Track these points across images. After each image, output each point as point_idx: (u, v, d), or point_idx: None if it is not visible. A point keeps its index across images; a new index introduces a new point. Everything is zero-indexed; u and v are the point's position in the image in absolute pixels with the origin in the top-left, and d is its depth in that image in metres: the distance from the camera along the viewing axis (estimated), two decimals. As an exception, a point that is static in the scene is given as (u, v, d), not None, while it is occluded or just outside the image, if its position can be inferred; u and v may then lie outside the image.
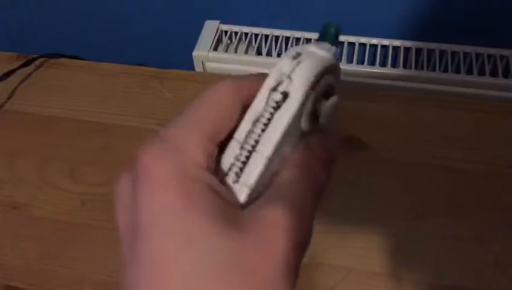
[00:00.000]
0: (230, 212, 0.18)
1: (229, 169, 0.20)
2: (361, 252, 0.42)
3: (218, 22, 0.69)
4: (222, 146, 0.21)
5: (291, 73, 0.21)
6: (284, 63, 0.21)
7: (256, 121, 0.21)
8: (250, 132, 0.21)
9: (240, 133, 0.21)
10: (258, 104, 0.21)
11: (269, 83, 0.21)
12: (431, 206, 0.44)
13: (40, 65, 0.59)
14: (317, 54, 0.22)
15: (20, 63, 0.58)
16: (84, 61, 0.61)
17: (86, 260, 0.43)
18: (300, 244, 0.19)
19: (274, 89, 0.21)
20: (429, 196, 0.45)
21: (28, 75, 0.58)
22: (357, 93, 0.54)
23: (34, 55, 0.59)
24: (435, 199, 0.44)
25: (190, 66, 0.67)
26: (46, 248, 0.44)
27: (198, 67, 0.67)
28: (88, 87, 0.57)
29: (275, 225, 0.18)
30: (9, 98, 0.56)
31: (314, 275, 0.41)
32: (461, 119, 0.50)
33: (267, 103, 0.21)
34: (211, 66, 0.66)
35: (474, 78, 0.60)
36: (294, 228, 0.18)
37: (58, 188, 0.48)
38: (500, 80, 0.59)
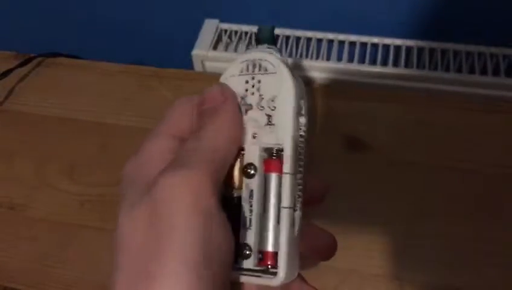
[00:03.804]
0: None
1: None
2: (362, 253, 0.42)
3: (218, 20, 0.69)
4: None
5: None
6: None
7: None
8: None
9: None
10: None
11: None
12: (431, 207, 0.44)
13: (38, 64, 0.59)
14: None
15: (18, 62, 0.57)
16: (82, 60, 0.60)
17: (84, 262, 0.43)
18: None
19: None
20: (430, 196, 0.44)
21: (26, 75, 0.58)
22: (357, 92, 0.53)
23: (32, 55, 0.59)
24: (435, 199, 0.44)
25: (189, 65, 0.66)
26: (43, 249, 0.44)
27: (197, 67, 0.66)
28: (86, 87, 0.56)
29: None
30: (6, 97, 0.56)
31: (314, 277, 0.40)
32: (463, 119, 0.50)
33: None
34: (211, 65, 0.66)
35: (476, 77, 0.59)
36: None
37: (56, 188, 0.48)
38: (503, 79, 0.58)
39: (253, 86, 0.23)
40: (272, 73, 0.23)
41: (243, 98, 0.24)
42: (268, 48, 0.24)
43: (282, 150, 0.22)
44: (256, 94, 0.23)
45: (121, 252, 0.21)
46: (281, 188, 0.22)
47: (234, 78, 0.24)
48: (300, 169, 0.23)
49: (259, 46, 0.24)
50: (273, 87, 0.23)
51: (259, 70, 0.23)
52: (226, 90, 0.24)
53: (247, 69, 0.24)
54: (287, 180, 0.22)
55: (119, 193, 0.22)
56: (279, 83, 0.23)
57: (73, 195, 0.47)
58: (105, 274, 0.41)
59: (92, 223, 0.45)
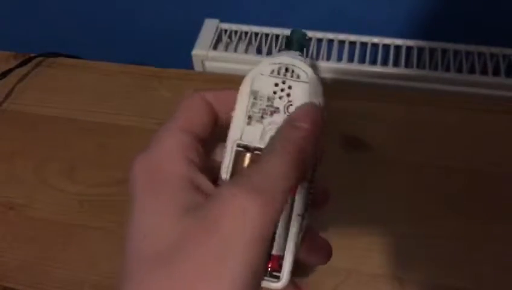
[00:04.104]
0: (190, 197, 0.20)
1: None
2: (362, 253, 0.42)
3: (218, 20, 0.69)
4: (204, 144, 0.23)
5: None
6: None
7: None
8: None
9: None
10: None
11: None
12: (431, 207, 0.44)
13: (38, 64, 0.59)
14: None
15: (17, 62, 0.57)
16: (82, 60, 0.60)
17: (83, 261, 0.43)
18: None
19: None
20: (429, 196, 0.44)
21: (26, 75, 0.58)
22: (357, 92, 0.53)
23: (32, 54, 0.59)
24: (435, 199, 0.44)
25: (189, 65, 0.66)
26: (43, 249, 0.44)
27: (197, 66, 0.66)
28: (86, 87, 0.56)
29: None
30: (6, 97, 0.56)
31: (314, 277, 0.40)
32: (463, 119, 0.49)
33: None
34: (211, 65, 0.66)
35: (477, 77, 0.59)
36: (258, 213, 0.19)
37: (56, 188, 0.48)
38: (502, 79, 0.59)
39: (282, 90, 0.23)
40: (304, 82, 0.23)
41: (269, 99, 0.24)
42: (300, 55, 0.24)
43: None
44: (285, 99, 0.23)
45: (148, 250, 0.19)
46: (296, 196, 0.22)
47: (264, 77, 0.24)
48: (314, 179, 0.23)
49: (291, 52, 0.24)
50: (304, 96, 0.23)
51: (292, 76, 0.23)
52: (319, 119, 0.23)
53: (279, 72, 0.24)
54: (303, 188, 0.22)
55: (129, 191, 0.22)
56: (311, 93, 0.23)
57: (73, 195, 0.47)
58: (105, 274, 0.42)
59: (91, 223, 0.45)
